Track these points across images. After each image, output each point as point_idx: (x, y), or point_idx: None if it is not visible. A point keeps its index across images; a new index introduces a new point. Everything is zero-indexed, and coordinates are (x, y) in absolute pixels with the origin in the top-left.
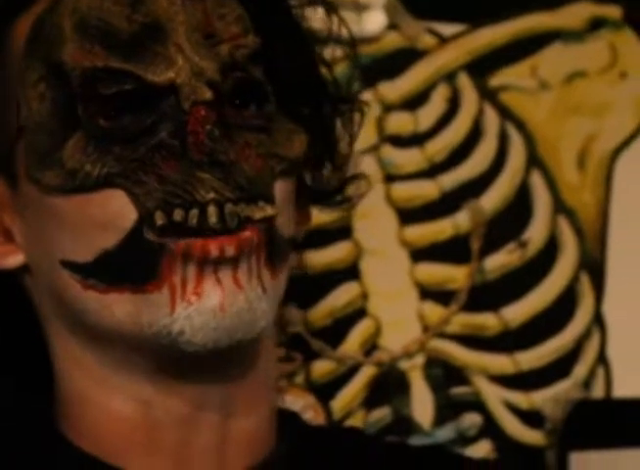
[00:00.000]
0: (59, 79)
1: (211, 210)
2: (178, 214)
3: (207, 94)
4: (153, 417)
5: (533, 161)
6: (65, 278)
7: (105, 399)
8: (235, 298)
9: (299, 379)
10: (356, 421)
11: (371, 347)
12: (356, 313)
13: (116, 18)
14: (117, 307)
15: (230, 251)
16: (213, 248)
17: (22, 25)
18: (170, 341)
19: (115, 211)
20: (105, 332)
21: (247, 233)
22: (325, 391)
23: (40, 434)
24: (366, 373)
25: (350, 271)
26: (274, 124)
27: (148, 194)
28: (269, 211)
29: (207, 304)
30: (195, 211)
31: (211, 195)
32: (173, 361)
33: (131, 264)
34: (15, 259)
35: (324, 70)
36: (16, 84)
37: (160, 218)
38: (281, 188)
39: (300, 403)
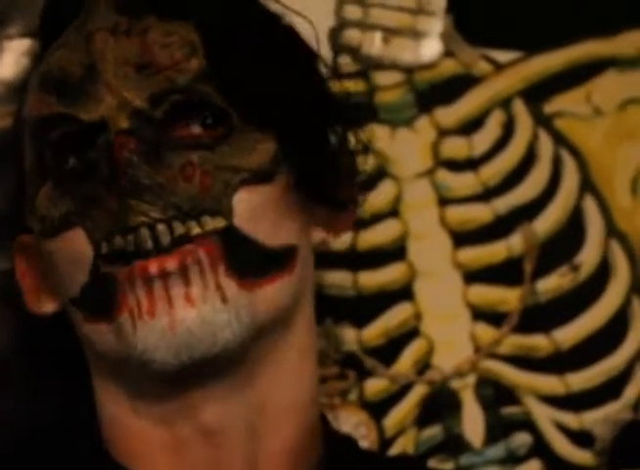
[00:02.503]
0: (27, 131)
1: (143, 232)
2: (118, 241)
3: (125, 123)
4: (177, 436)
5: (587, 185)
6: (75, 314)
7: (133, 422)
8: (185, 315)
9: (353, 396)
10: (408, 439)
11: (423, 366)
12: (410, 333)
13: (72, 64)
14: (103, 337)
15: (172, 263)
16: (152, 266)
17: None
18: (140, 361)
19: (79, 248)
20: (105, 359)
21: (188, 246)
22: (378, 408)
23: (86, 450)
24: (418, 392)
25: (404, 292)
26: (232, 138)
27: (97, 227)
28: (215, 224)
29: (158, 324)
30: (131, 237)
31: (140, 218)
32: (160, 382)
33: (100, 296)
34: (49, 306)
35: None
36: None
37: (104, 248)
38: (246, 198)
39: (354, 421)
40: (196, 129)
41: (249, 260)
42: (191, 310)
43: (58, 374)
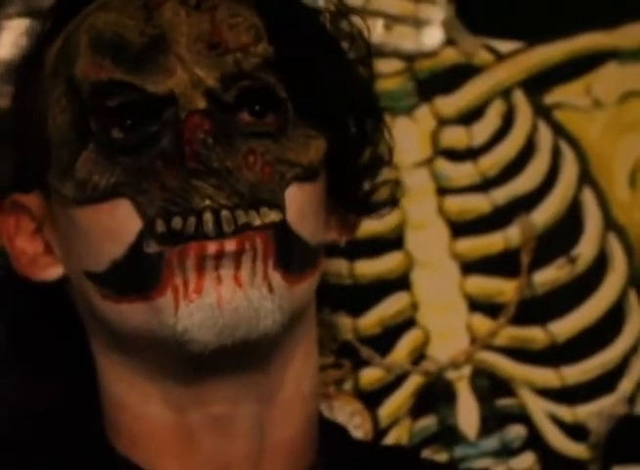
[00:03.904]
0: (74, 93)
1: (207, 216)
2: (177, 222)
3: (202, 103)
4: (187, 423)
5: (585, 178)
6: (89, 288)
7: (141, 406)
8: (233, 295)
9: (348, 386)
10: (402, 429)
11: (419, 356)
12: (406, 323)
13: (130, 31)
14: (132, 316)
15: (231, 246)
16: (211, 246)
17: (54, 46)
18: (177, 342)
19: (122, 220)
20: (127, 340)
21: (249, 233)
22: (373, 398)
23: (86, 438)
24: (413, 382)
25: (401, 282)
26: (289, 130)
27: (150, 202)
28: (272, 216)
29: (206, 300)
30: (192, 219)
31: (206, 202)
32: (190, 364)
33: (137, 275)
34: (55, 271)
35: (360, 80)
36: (46, 101)
37: (160, 226)
38: (296, 193)
39: (348, 410)
40: (254, 117)
41: (294, 257)
42: (239, 291)
43: (58, 355)
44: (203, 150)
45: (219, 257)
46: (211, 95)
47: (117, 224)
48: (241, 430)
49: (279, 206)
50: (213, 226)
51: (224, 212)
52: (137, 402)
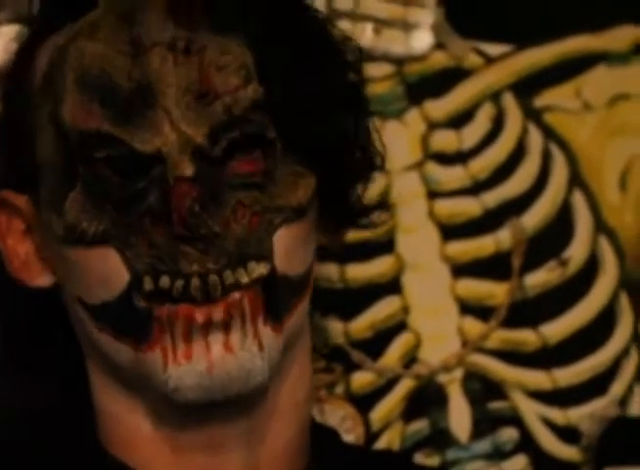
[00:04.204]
0: (62, 137)
1: (195, 281)
2: (164, 282)
3: (189, 170)
4: (180, 442)
5: (576, 180)
6: (82, 313)
7: (132, 420)
8: (224, 361)
9: (340, 389)
10: (394, 433)
11: (410, 360)
12: (397, 327)
13: (118, 73)
14: (125, 354)
15: (218, 314)
16: (199, 315)
17: (42, 58)
18: (166, 394)
19: (111, 269)
20: (121, 371)
21: (235, 295)
22: (364, 402)
23: (81, 441)
24: (405, 385)
25: (392, 285)
26: (276, 171)
27: (137, 257)
28: (261, 270)
29: (196, 366)
30: (180, 282)
31: (194, 267)
32: (179, 409)
33: (129, 322)
34: (45, 279)
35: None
36: (34, 118)
37: (147, 284)
38: (284, 237)
39: (340, 414)
40: (245, 163)
41: (282, 301)
42: (229, 357)
43: (52, 358)
44: (190, 218)
45: (207, 325)
46: (199, 152)
47: (107, 271)
48: (232, 444)
49: (266, 257)
50: (201, 292)
51: (212, 277)
52: (128, 417)
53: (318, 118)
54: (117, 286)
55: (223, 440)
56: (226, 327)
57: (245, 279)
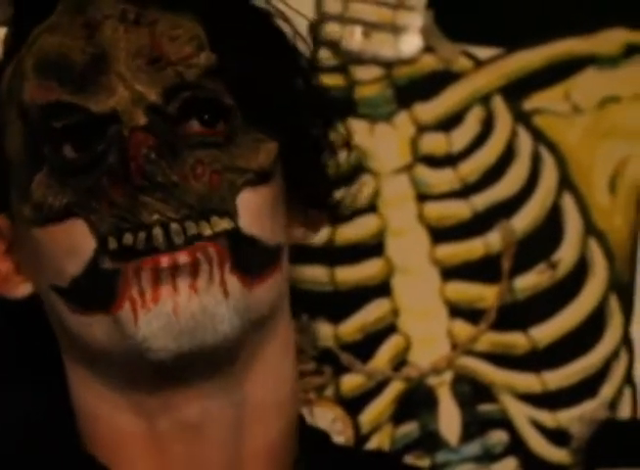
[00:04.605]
0: (24, 117)
1: (157, 231)
2: (127, 238)
3: (143, 119)
4: (159, 431)
5: (565, 183)
6: (57, 302)
7: (112, 416)
8: (189, 301)
9: (329, 392)
10: (384, 435)
11: (400, 362)
12: (386, 329)
13: (73, 51)
14: (98, 329)
15: (183, 258)
16: (163, 260)
17: (9, 68)
18: (139, 352)
19: (77, 240)
20: (96, 353)
21: (200, 244)
22: (354, 404)
23: (63, 447)
24: (395, 388)
25: (382, 288)
26: (238, 137)
27: (101, 220)
28: (224, 225)
29: (163, 309)
30: (142, 234)
31: (155, 217)
32: (155, 374)
33: (96, 290)
34: (24, 289)
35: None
36: (3, 124)
37: (112, 243)
38: (249, 198)
39: (330, 416)
40: (203, 127)
41: (252, 260)
42: (195, 298)
43: (29, 364)
44: (147, 165)
45: (174, 269)
46: (154, 109)
47: (74, 243)
48: (212, 437)
49: (230, 213)
50: (163, 240)
51: (173, 225)
52: (108, 413)
53: (272, 86)
54: (85, 255)
55: (201, 425)
56: (193, 272)
57: (208, 231)
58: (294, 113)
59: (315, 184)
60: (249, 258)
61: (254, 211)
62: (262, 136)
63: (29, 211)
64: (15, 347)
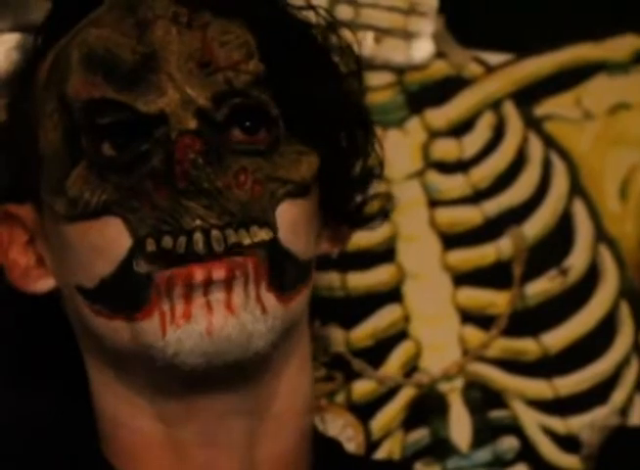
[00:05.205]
0: (66, 111)
1: (197, 236)
2: (167, 242)
3: (192, 124)
4: (178, 437)
5: (576, 189)
6: (81, 303)
7: (133, 420)
8: (225, 322)
9: (340, 398)
10: (395, 441)
11: (411, 368)
12: (398, 335)
13: (122, 49)
14: (123, 333)
15: (220, 273)
16: (199, 273)
17: (47, 61)
18: (167, 363)
19: (112, 238)
20: (119, 356)
21: (239, 259)
22: (365, 410)
23: (82, 452)
24: (406, 394)
25: (393, 294)
26: (280, 147)
27: (141, 221)
28: (263, 235)
29: (195, 327)
30: (182, 239)
31: (197, 222)
32: (181, 381)
33: (126, 293)
34: (46, 284)
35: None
36: (38, 116)
37: (150, 245)
38: (288, 210)
39: (340, 422)
40: (249, 135)
41: (287, 275)
42: (231, 318)
43: (53, 368)
44: (193, 170)
45: (208, 284)
46: (202, 114)
47: (107, 242)
48: (231, 444)
49: (269, 224)
50: (204, 246)
51: (214, 232)
52: (129, 417)
53: (320, 100)
54: (117, 255)
55: (222, 432)
56: (228, 287)
57: (247, 240)
58: (336, 125)
59: (350, 200)
60: (284, 272)
61: (292, 223)
62: (304, 148)
63: (64, 205)
64: (34, 346)
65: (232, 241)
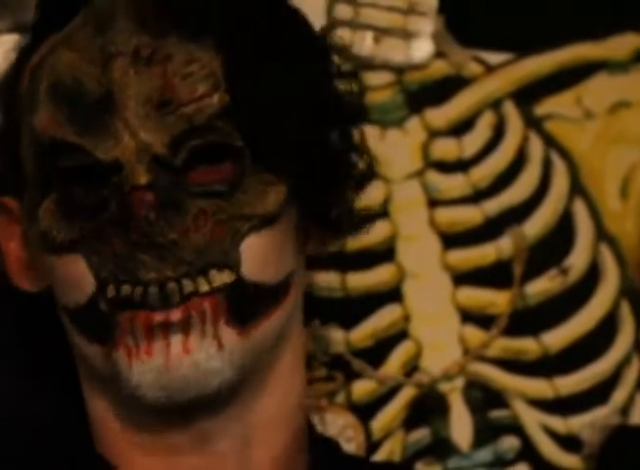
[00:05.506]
0: (35, 141)
1: (153, 289)
2: (126, 290)
3: (144, 178)
4: (170, 443)
5: (576, 188)
6: (65, 318)
7: (120, 429)
8: (180, 362)
9: (340, 398)
10: (395, 442)
11: (411, 368)
12: (398, 335)
13: (88, 79)
14: (98, 357)
15: (177, 316)
16: (158, 315)
17: (30, 65)
18: (130, 392)
19: (80, 275)
20: (96, 371)
21: (196, 300)
22: (365, 410)
23: (80, 450)
24: (406, 394)
25: (393, 294)
26: (245, 179)
27: (102, 264)
28: (224, 278)
29: (155, 362)
30: (139, 289)
31: (152, 275)
32: (151, 416)
33: (96, 325)
34: (38, 284)
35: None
36: (20, 124)
37: (110, 291)
38: (254, 244)
39: (341, 422)
40: (210, 172)
41: (251, 306)
42: (186, 358)
43: (51, 367)
44: (146, 226)
45: (166, 325)
46: (159, 161)
47: (77, 277)
48: (224, 449)
49: (230, 265)
50: (158, 299)
51: (170, 285)
52: (116, 426)
53: (286, 127)
54: (86, 291)
55: (214, 436)
56: (185, 328)
57: (205, 288)
58: (306, 155)
59: (330, 211)
60: (248, 305)
61: (260, 254)
62: (271, 177)
63: (36, 236)
64: (34, 346)
65: (189, 290)
